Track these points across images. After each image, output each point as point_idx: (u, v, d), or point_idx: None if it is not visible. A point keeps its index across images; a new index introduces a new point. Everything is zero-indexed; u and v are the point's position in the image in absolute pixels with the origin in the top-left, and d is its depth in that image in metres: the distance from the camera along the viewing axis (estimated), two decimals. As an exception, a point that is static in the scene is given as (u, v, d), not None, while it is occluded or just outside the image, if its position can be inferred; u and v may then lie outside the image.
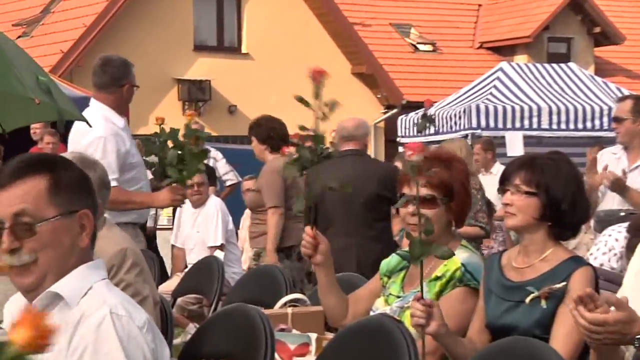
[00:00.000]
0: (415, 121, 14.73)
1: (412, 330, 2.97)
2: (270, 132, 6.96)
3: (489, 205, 7.59)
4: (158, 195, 5.46)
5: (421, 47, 23.88)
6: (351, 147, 6.08)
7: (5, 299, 2.49)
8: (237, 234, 8.91)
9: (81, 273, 2.20)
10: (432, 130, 15.40)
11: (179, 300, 6.09)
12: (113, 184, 5.08)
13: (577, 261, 3.14)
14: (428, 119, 13.43)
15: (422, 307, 2.93)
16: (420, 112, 13.85)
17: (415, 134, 15.45)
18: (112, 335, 2.09)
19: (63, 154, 3.51)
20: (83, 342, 2.09)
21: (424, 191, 3.30)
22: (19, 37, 19.57)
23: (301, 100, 3.14)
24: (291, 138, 6.70)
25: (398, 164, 7.20)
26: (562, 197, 3.20)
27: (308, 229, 3.44)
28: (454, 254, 3.12)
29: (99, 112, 5.27)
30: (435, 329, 2.93)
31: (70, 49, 19.16)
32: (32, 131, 9.96)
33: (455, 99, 15.58)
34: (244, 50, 21.47)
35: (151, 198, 5.58)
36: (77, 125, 5.23)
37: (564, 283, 3.06)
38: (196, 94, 20.65)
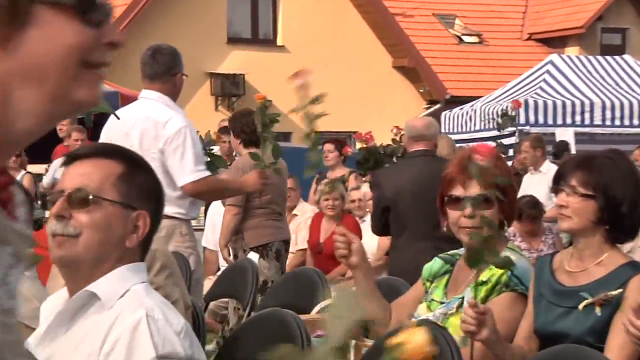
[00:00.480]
0: (494, 117, 14.58)
1: (457, 338, 2.96)
2: (244, 126, 6.98)
3: (536, 205, 7.53)
4: (248, 181, 5.64)
5: (466, 38, 23.67)
6: (421, 147, 6.15)
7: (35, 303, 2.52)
8: None
9: (121, 274, 2.24)
10: (477, 126, 15.39)
11: (212, 304, 6.12)
12: (205, 173, 5.32)
13: (635, 267, 3.12)
14: (511, 118, 13.47)
15: (474, 314, 2.92)
16: (504, 105, 13.89)
17: (459, 130, 15.40)
18: (147, 338, 2.12)
19: None
20: (117, 343, 2.13)
21: (477, 191, 3.28)
22: None
23: (295, 109, 3.14)
24: (355, 137, 6.76)
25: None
26: (622, 199, 3.17)
27: (339, 228, 3.39)
28: (513, 264, 3.09)
29: (164, 102, 5.35)
30: (486, 336, 2.93)
31: None
32: (58, 127, 10.01)
33: (502, 94, 15.53)
34: (279, 42, 21.51)
35: (243, 184, 5.80)
36: (117, 120, 5.27)
37: (620, 290, 3.04)
38: (230, 89, 20.68)
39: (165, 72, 5.39)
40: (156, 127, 5.25)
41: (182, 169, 5.31)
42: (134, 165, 2.32)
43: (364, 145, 11.83)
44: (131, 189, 2.28)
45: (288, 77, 3.15)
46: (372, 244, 7.99)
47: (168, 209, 5.19)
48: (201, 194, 5.66)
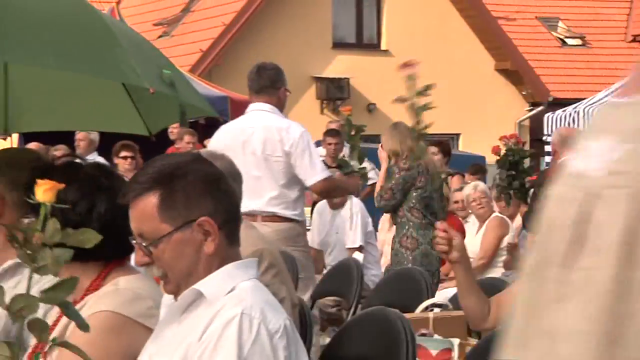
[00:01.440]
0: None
1: None
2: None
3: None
4: (352, 182, 6.23)
5: (569, 41, 23.45)
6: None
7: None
8: (376, 236, 9.05)
9: (227, 272, 2.27)
10: (581, 128, 15.21)
11: (319, 302, 6.17)
12: (327, 174, 5.66)
13: None
14: None
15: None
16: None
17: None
18: (234, 336, 2.14)
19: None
20: (209, 337, 2.15)
21: None
22: (159, 36, 20.11)
23: (400, 100, 3.14)
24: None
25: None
26: None
27: (439, 223, 3.42)
28: None
29: (275, 111, 5.65)
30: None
31: (209, 48, 19.55)
32: (169, 130, 10.21)
33: (606, 96, 15.27)
34: (383, 47, 21.54)
35: (351, 185, 6.36)
36: (233, 125, 5.64)
37: None
38: (334, 93, 20.79)
39: (270, 86, 5.64)
40: (279, 133, 5.51)
41: (312, 169, 5.61)
42: (166, 185, 2.30)
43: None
44: (178, 208, 2.28)
45: (397, 67, 3.16)
46: (475, 244, 8.03)
47: (286, 212, 5.65)
48: (328, 192, 6.07)
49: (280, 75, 5.80)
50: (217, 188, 2.33)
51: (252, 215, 5.56)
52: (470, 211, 8.36)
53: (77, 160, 2.73)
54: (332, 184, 5.80)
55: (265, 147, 5.52)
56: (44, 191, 1.93)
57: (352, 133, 5.65)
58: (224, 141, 5.66)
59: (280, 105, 5.73)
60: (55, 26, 2.97)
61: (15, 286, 2.85)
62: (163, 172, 2.32)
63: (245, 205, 5.36)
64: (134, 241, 2.29)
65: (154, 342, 2.32)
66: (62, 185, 1.98)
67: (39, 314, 2.65)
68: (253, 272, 2.33)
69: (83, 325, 1.89)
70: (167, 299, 2.39)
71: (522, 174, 9.23)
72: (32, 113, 3.52)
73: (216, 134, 5.92)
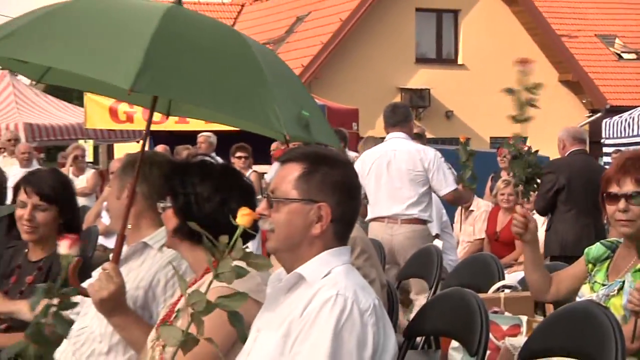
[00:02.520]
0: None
1: (617, 316, 2.87)
2: None
3: None
4: (467, 194, 6.87)
5: (625, 55, 23.38)
6: (580, 147, 6.99)
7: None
8: (452, 227, 8.90)
9: (323, 259, 2.24)
10: (635, 132, 14.77)
11: (403, 283, 6.12)
12: (455, 185, 6.18)
13: None
14: None
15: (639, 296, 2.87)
16: None
17: (619, 136, 14.85)
18: (329, 314, 2.12)
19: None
20: (308, 315, 2.14)
21: (632, 189, 3.17)
22: None
23: (509, 90, 3.11)
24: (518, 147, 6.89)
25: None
26: None
27: (518, 207, 3.40)
28: None
29: (408, 137, 6.32)
30: None
31: (309, 63, 19.79)
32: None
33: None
34: (460, 61, 21.53)
35: (467, 195, 7.08)
36: (377, 150, 6.39)
37: None
38: (417, 101, 20.80)
39: (403, 120, 6.34)
40: (419, 153, 6.16)
41: (445, 181, 6.21)
42: (314, 165, 2.28)
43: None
44: (310, 186, 2.25)
45: (514, 61, 3.16)
46: (540, 232, 7.74)
47: (422, 214, 6.32)
48: (455, 200, 6.67)
49: (409, 112, 6.60)
50: (347, 191, 2.31)
51: (394, 217, 6.23)
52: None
53: (209, 160, 2.73)
54: (458, 194, 6.31)
55: (408, 164, 6.10)
56: (242, 215, 1.95)
57: (465, 159, 6.04)
58: (371, 161, 6.29)
59: (411, 134, 6.41)
60: (214, 63, 2.84)
61: (140, 265, 2.90)
62: (317, 155, 2.33)
63: (388, 209, 6.15)
64: (266, 194, 2.29)
65: (261, 317, 2.32)
66: (257, 215, 2.11)
67: (140, 287, 2.80)
68: (346, 258, 2.30)
69: (236, 321, 1.94)
70: (273, 279, 2.38)
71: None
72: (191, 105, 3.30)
73: (362, 156, 6.57)
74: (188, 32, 2.82)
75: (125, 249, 2.92)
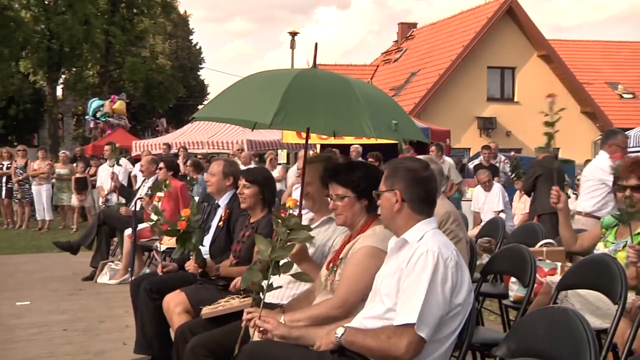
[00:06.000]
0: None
1: (622, 263, 3.30)
2: None
3: None
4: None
5: (625, 95, 26.42)
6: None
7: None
8: (511, 205, 10.23)
9: (419, 227, 2.72)
10: (631, 143, 13.04)
11: (479, 240, 6.53)
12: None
13: None
14: None
15: (634, 251, 3.38)
16: None
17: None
18: (424, 263, 2.57)
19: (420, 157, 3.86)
20: (411, 265, 2.60)
21: (634, 182, 3.65)
22: (392, 96, 22.06)
23: (546, 123, 3.62)
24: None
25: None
26: None
27: (555, 187, 3.88)
28: None
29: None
30: None
31: (419, 101, 22.64)
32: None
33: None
34: (516, 99, 23.95)
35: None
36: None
37: None
38: (487, 125, 22.90)
39: (603, 142, 5.86)
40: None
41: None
42: (393, 169, 2.70)
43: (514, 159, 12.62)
44: (393, 181, 2.72)
45: (545, 95, 3.72)
46: (527, 204, 9.15)
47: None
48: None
49: (611, 135, 6.06)
50: (416, 181, 2.71)
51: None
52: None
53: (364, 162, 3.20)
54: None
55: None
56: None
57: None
58: None
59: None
60: (327, 100, 3.29)
61: (325, 231, 3.46)
62: (396, 164, 2.78)
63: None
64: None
65: (383, 268, 2.78)
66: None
67: (327, 244, 3.40)
68: (434, 224, 2.71)
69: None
70: (392, 242, 2.79)
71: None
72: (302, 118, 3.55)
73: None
74: (311, 83, 3.34)
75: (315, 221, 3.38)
